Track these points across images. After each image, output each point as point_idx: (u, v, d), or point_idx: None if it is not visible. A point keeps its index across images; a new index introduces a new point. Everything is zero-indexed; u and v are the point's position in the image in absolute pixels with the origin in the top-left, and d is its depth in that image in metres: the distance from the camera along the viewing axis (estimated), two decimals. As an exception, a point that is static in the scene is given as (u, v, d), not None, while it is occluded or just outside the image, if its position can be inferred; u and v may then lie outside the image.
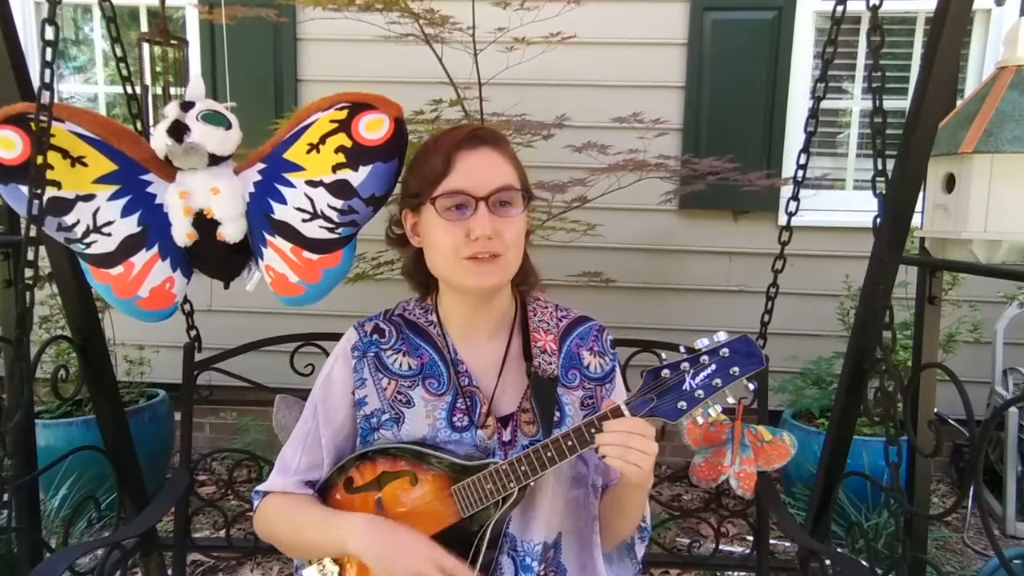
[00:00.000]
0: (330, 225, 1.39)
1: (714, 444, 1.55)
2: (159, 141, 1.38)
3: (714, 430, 1.55)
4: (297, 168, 1.38)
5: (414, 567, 1.03)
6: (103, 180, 1.37)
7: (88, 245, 1.41)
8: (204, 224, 1.43)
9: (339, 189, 1.36)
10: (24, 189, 1.33)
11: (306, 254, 1.42)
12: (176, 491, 1.75)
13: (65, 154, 1.34)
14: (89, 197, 1.37)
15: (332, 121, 1.34)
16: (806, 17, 3.15)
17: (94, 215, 1.38)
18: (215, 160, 1.40)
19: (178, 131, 1.35)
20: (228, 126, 1.41)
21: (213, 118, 1.39)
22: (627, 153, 2.50)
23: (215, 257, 1.47)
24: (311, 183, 1.38)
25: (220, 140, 1.39)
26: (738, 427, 1.53)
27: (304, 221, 1.39)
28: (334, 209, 1.37)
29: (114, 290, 1.45)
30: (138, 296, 1.45)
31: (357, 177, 1.34)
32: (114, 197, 1.39)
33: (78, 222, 1.38)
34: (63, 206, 1.36)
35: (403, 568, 1.04)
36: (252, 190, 1.43)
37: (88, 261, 1.44)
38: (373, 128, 1.32)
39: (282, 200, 1.40)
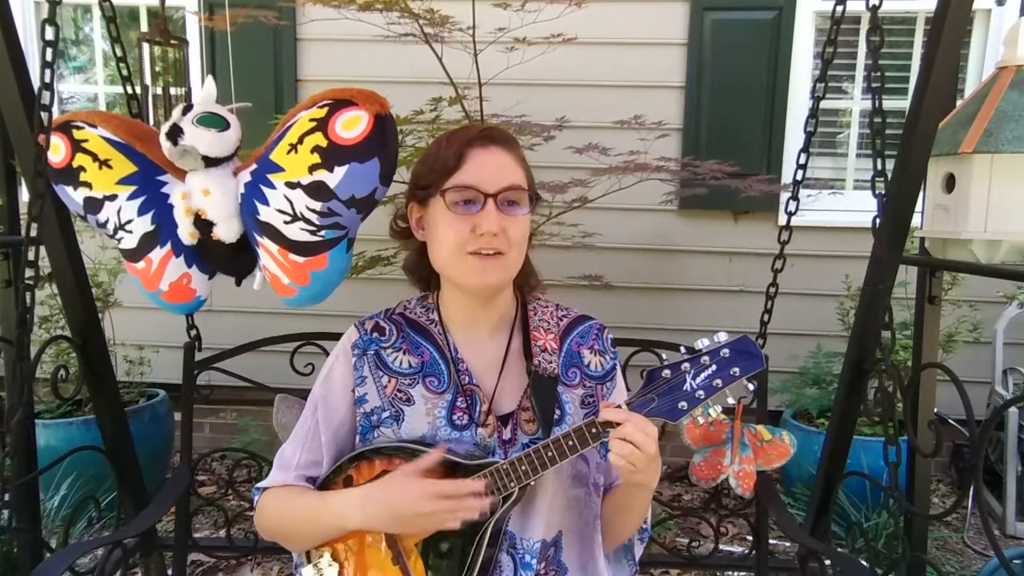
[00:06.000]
0: (311, 228, 1.36)
1: (713, 444, 1.56)
2: (162, 145, 1.41)
3: (713, 429, 1.55)
4: (278, 169, 1.36)
5: (419, 509, 1.03)
6: (124, 181, 1.43)
7: (119, 240, 1.48)
8: (202, 224, 1.45)
9: (316, 191, 1.33)
10: (67, 190, 1.44)
11: (292, 256, 1.41)
12: (177, 490, 1.75)
13: (95, 157, 1.41)
14: (113, 197, 1.44)
15: (311, 120, 1.31)
16: (806, 17, 3.15)
17: (118, 213, 1.44)
18: (213, 162, 1.41)
19: (173, 134, 1.38)
20: (223, 127, 1.41)
21: (207, 120, 1.39)
22: (628, 154, 2.50)
23: (219, 256, 1.49)
24: (290, 184, 1.35)
25: (211, 142, 1.39)
26: (737, 427, 1.53)
27: (286, 223, 1.37)
28: (313, 211, 1.34)
29: (142, 283, 1.51)
30: (160, 289, 1.50)
31: (333, 178, 1.31)
32: (132, 197, 1.44)
33: (108, 220, 1.45)
34: (96, 205, 1.44)
35: (411, 515, 1.04)
36: (243, 191, 1.43)
37: (122, 255, 1.52)
38: (349, 126, 1.28)
39: (265, 201, 1.38)
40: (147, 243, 1.46)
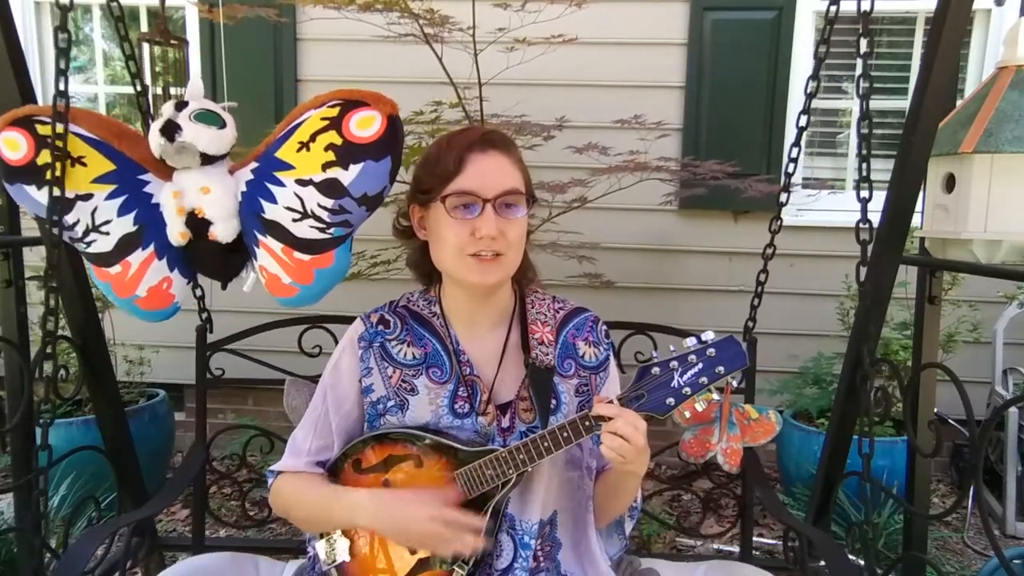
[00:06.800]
0: (321, 225, 1.37)
1: (703, 422, 1.61)
2: (153, 141, 1.38)
3: (703, 409, 1.59)
4: (287, 167, 1.36)
5: (423, 528, 1.09)
6: (101, 180, 1.38)
7: (88, 244, 1.42)
8: (196, 224, 1.42)
9: (329, 188, 1.34)
10: (28, 189, 1.35)
11: (297, 255, 1.41)
12: (192, 469, 1.76)
13: (67, 155, 1.35)
14: (87, 196, 1.38)
15: (323, 119, 1.32)
16: (806, 17, 3.15)
17: (92, 214, 1.39)
18: (209, 159, 1.40)
19: (170, 130, 1.35)
20: (221, 125, 1.40)
21: (206, 117, 1.38)
22: (628, 154, 2.50)
23: (210, 257, 1.46)
24: (301, 182, 1.35)
25: (211, 139, 1.38)
26: (726, 406, 1.58)
27: (294, 221, 1.38)
28: (324, 208, 1.35)
29: (114, 289, 1.46)
30: (136, 295, 1.46)
31: (347, 176, 1.32)
32: (111, 196, 1.39)
33: (78, 221, 1.39)
34: (65, 206, 1.37)
35: (414, 532, 1.10)
36: (244, 189, 1.41)
37: (90, 260, 1.46)
38: (364, 125, 1.30)
39: (272, 199, 1.38)
40: (127, 245, 1.42)
